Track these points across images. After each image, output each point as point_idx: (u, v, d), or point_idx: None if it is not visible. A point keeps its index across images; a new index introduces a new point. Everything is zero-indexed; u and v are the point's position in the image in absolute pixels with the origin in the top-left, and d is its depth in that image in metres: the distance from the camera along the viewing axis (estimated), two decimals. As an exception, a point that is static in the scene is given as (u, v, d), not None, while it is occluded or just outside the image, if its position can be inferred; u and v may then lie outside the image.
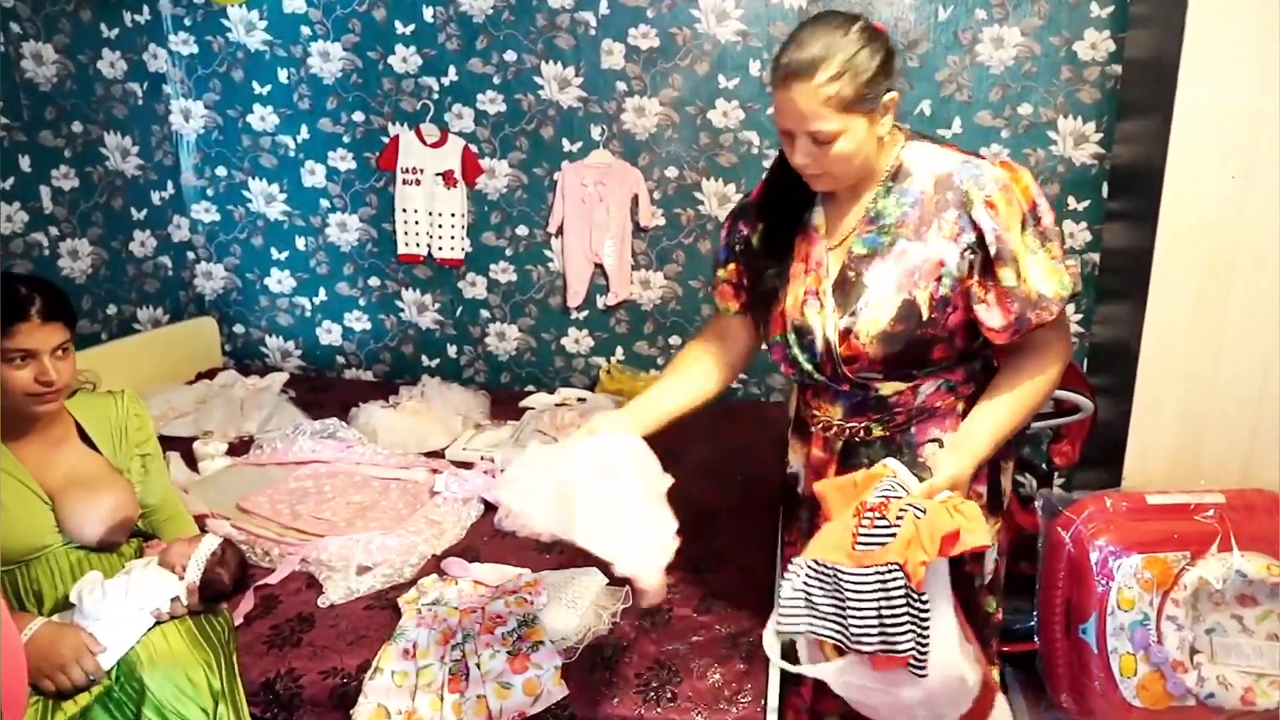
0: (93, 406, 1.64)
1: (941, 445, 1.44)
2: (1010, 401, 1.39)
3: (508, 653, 1.63)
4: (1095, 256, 2.84)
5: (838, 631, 1.28)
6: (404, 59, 3.11)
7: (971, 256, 1.36)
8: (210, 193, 3.38)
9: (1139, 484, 2.15)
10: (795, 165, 1.40)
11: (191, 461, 2.51)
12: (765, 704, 1.58)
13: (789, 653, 1.41)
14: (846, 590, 1.26)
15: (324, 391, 3.18)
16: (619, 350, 3.27)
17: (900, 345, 1.39)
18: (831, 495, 1.39)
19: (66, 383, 1.51)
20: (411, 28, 3.08)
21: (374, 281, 3.36)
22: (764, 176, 1.57)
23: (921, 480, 1.31)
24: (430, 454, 2.62)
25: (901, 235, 1.40)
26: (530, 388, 3.31)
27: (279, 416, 2.86)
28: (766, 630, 1.40)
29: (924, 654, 1.22)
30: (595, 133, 3.06)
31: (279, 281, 3.43)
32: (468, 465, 2.47)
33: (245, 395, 2.96)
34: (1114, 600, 1.88)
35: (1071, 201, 2.83)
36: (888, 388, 1.45)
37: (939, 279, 1.37)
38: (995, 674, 1.54)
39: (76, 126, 2.90)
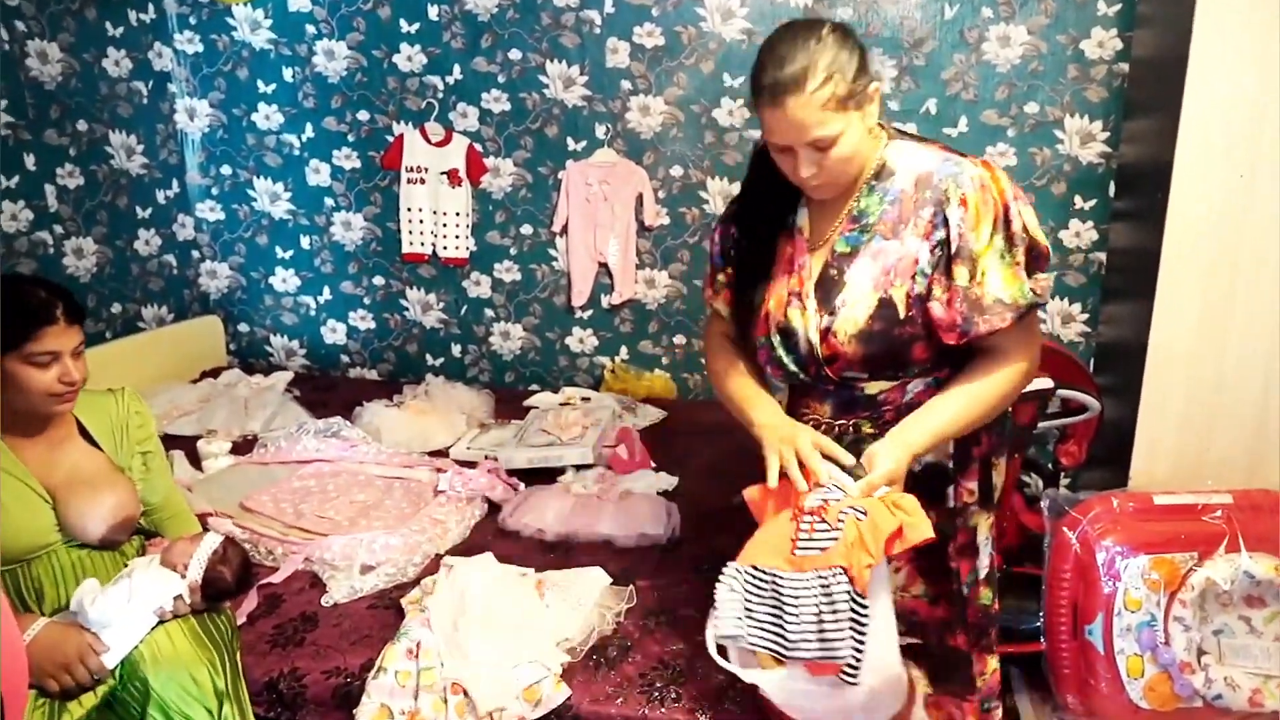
0: (94, 405, 1.64)
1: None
2: (956, 401, 1.37)
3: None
4: (1102, 256, 2.83)
5: (774, 640, 1.27)
6: (409, 58, 3.11)
7: (940, 253, 1.36)
8: (215, 191, 3.38)
9: (1145, 484, 2.14)
10: (798, 179, 1.39)
11: (195, 460, 2.52)
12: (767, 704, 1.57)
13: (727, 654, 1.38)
14: (785, 596, 1.25)
15: (328, 390, 3.18)
16: (623, 349, 3.27)
17: (879, 344, 1.38)
18: (762, 500, 1.37)
19: (83, 381, 1.53)
20: (416, 26, 3.08)
21: (378, 280, 3.36)
22: (742, 182, 1.57)
23: (857, 478, 1.30)
24: (434, 453, 2.63)
25: (879, 233, 1.40)
26: (534, 387, 3.30)
27: (283, 415, 2.87)
28: (707, 632, 1.36)
29: (859, 660, 1.21)
30: (600, 131, 3.06)
31: (283, 280, 3.43)
32: (472, 465, 2.47)
33: (249, 394, 2.97)
34: (1121, 601, 1.87)
35: (1078, 200, 2.82)
36: (874, 386, 1.45)
37: (913, 277, 1.37)
38: (993, 662, 1.54)
39: (81, 125, 2.91)
